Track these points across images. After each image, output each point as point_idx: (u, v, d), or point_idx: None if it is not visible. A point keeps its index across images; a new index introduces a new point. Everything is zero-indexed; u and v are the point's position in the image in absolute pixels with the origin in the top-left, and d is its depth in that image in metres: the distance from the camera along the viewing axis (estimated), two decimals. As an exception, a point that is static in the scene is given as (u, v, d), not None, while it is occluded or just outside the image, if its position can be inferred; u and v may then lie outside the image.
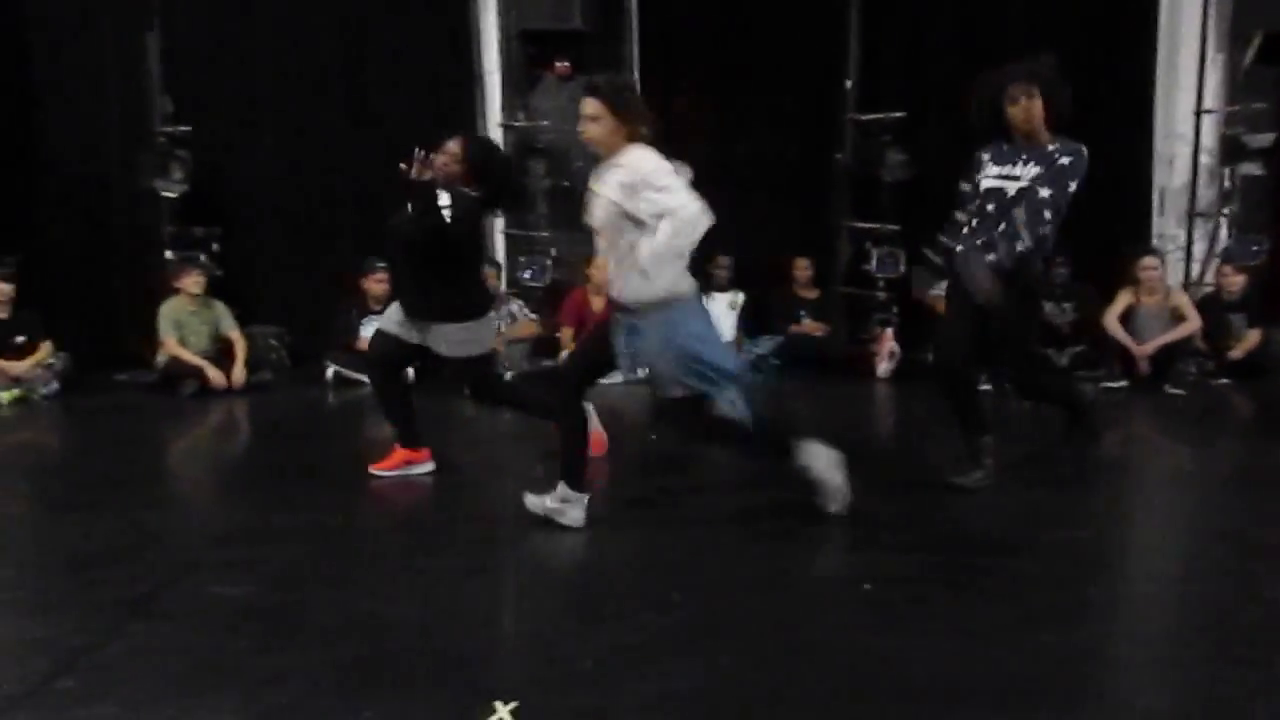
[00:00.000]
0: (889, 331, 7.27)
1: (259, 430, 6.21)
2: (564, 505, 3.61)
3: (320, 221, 7.74)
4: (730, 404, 3.52)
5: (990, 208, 3.93)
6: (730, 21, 7.76)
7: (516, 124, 7.61)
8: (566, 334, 7.16)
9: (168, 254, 7.54)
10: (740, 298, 7.66)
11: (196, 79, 7.58)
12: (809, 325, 7.61)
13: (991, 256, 3.88)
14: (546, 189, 7.61)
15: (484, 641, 2.80)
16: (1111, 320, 6.68)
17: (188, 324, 6.92)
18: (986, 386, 6.10)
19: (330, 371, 6.99)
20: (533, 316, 7.02)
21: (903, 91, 7.52)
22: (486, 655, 2.71)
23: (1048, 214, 3.82)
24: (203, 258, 7.40)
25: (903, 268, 7.35)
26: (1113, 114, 7.00)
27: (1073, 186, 3.83)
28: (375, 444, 4.70)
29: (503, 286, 7.43)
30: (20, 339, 6.61)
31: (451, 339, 4.18)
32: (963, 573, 3.23)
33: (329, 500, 4.10)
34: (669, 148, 7.75)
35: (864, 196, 7.79)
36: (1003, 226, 3.87)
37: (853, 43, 7.60)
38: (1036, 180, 3.83)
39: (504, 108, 7.66)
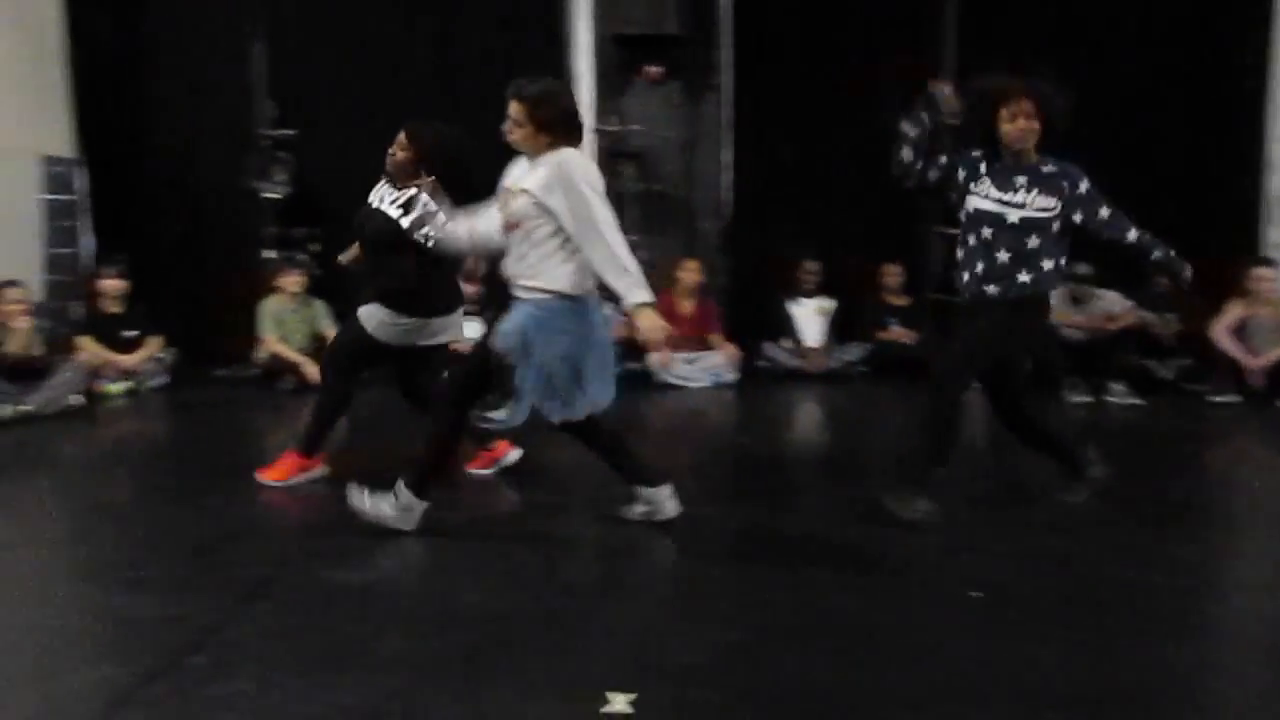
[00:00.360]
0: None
1: (356, 425, 6.35)
2: (399, 511, 3.51)
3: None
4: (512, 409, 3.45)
5: (987, 233, 3.61)
6: (823, 24, 7.72)
7: (608, 128, 7.67)
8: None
9: (267, 253, 7.80)
10: (830, 304, 7.61)
11: (300, 85, 7.79)
12: (898, 332, 7.53)
13: (992, 288, 3.62)
14: (637, 193, 7.64)
15: (596, 632, 2.83)
16: (1221, 332, 6.47)
17: (287, 322, 7.13)
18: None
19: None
20: (622, 318, 7.02)
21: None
22: (600, 646, 2.74)
23: (1066, 244, 3.64)
24: (302, 257, 7.61)
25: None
26: (1221, 119, 6.79)
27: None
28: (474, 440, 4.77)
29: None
30: (131, 333, 6.88)
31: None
32: (1074, 584, 3.17)
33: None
34: (760, 149, 7.83)
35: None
36: (1006, 256, 3.57)
37: (948, 46, 7.50)
38: (1046, 210, 3.55)
39: (595, 112, 7.72)
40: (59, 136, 7.48)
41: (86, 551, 3.58)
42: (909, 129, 3.66)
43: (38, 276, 7.13)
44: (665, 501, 3.65)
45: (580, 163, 3.39)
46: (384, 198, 4.13)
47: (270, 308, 7.12)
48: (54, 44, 6.93)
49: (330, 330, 7.16)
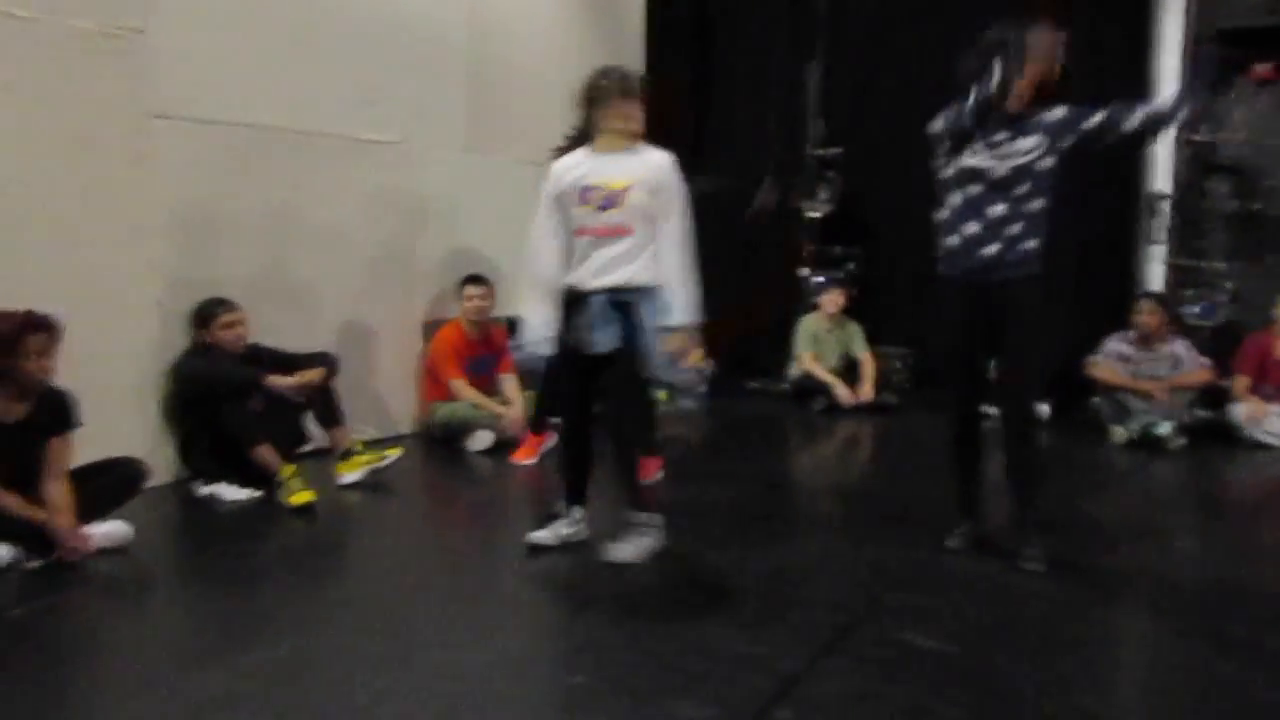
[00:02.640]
0: None
1: (886, 451, 6.15)
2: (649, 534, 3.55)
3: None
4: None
5: (973, 190, 3.42)
6: None
7: (1197, 138, 6.64)
8: (1241, 383, 6.08)
9: (804, 271, 7.87)
10: None
11: (849, 103, 7.77)
12: None
13: (991, 249, 3.41)
14: (1230, 212, 6.53)
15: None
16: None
17: (824, 341, 7.12)
18: None
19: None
20: (1205, 361, 6.03)
21: None
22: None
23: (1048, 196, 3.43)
24: (840, 275, 7.56)
25: None
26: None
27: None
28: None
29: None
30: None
31: None
32: None
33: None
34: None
35: None
36: (999, 210, 3.39)
37: None
38: (1034, 158, 3.37)
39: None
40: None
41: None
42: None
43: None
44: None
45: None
46: None
47: (808, 326, 7.16)
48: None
49: (863, 352, 7.05)
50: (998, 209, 3.44)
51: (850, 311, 7.24)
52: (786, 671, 2.64)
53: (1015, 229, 3.44)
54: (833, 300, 7.12)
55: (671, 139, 8.26)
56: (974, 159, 3.46)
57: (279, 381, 4.37)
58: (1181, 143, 6.71)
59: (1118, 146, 3.47)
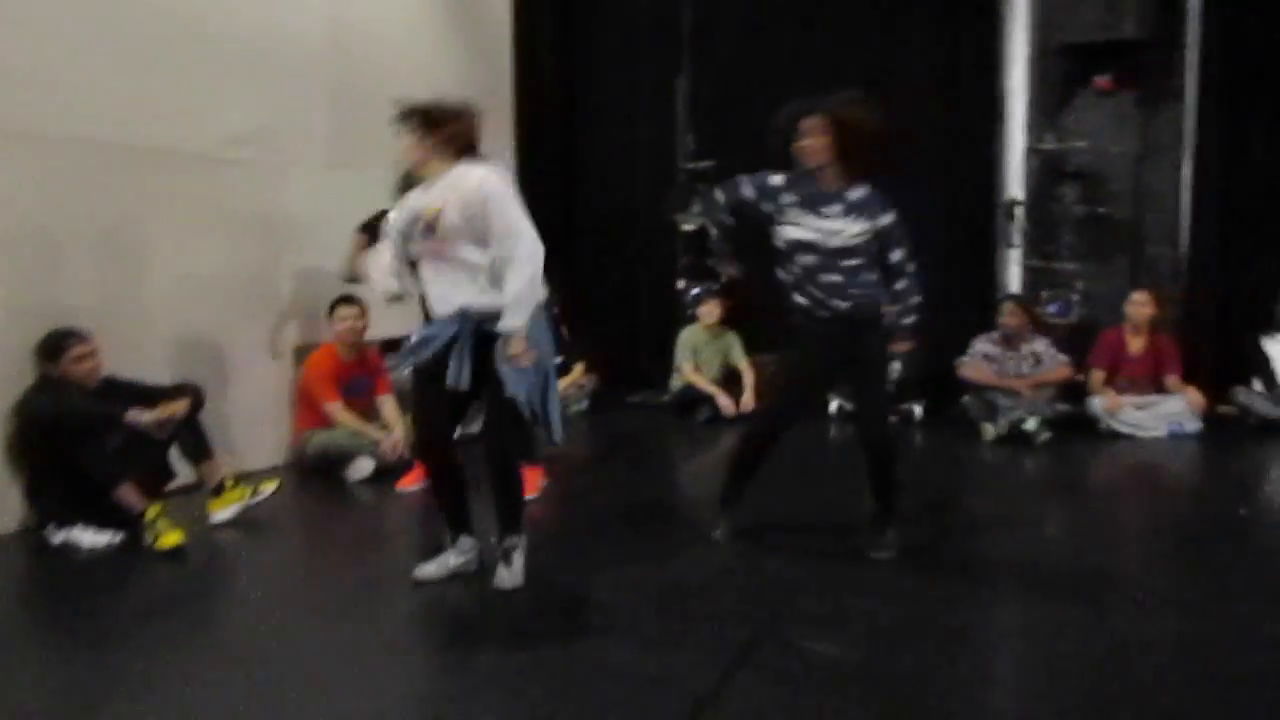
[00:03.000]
0: None
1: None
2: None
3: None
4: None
5: (807, 260, 3.60)
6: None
7: (1045, 147, 6.98)
8: (1097, 377, 6.41)
9: (681, 283, 7.92)
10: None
11: (719, 117, 7.85)
12: None
13: (841, 304, 3.61)
14: (1079, 216, 6.87)
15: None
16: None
17: (703, 352, 7.17)
18: None
19: (834, 406, 6.84)
20: (1063, 358, 6.33)
21: None
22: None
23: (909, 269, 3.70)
24: (716, 287, 7.62)
25: None
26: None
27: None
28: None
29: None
30: (558, 360, 7.21)
31: None
32: None
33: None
34: (1230, 162, 6.74)
35: None
36: (834, 278, 3.60)
37: None
38: (861, 235, 3.59)
39: (1030, 129, 7.06)
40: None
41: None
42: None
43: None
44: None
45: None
46: None
47: (688, 337, 7.19)
48: (506, 93, 7.48)
49: (743, 362, 7.13)
50: (834, 277, 3.63)
51: (727, 321, 7.31)
52: (698, 691, 2.60)
53: (856, 291, 3.65)
54: (710, 311, 7.17)
55: (544, 153, 8.27)
56: (802, 232, 3.62)
57: (140, 416, 4.09)
58: (1030, 151, 7.04)
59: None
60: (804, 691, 2.61)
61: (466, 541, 3.59)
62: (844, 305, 3.64)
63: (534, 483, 4.57)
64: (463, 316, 3.32)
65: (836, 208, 3.60)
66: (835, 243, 3.60)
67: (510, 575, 3.41)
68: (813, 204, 3.60)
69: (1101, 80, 6.74)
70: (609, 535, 4.14)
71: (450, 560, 3.57)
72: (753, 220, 3.75)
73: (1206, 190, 6.80)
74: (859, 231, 3.61)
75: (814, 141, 3.56)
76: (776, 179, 3.67)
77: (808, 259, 3.63)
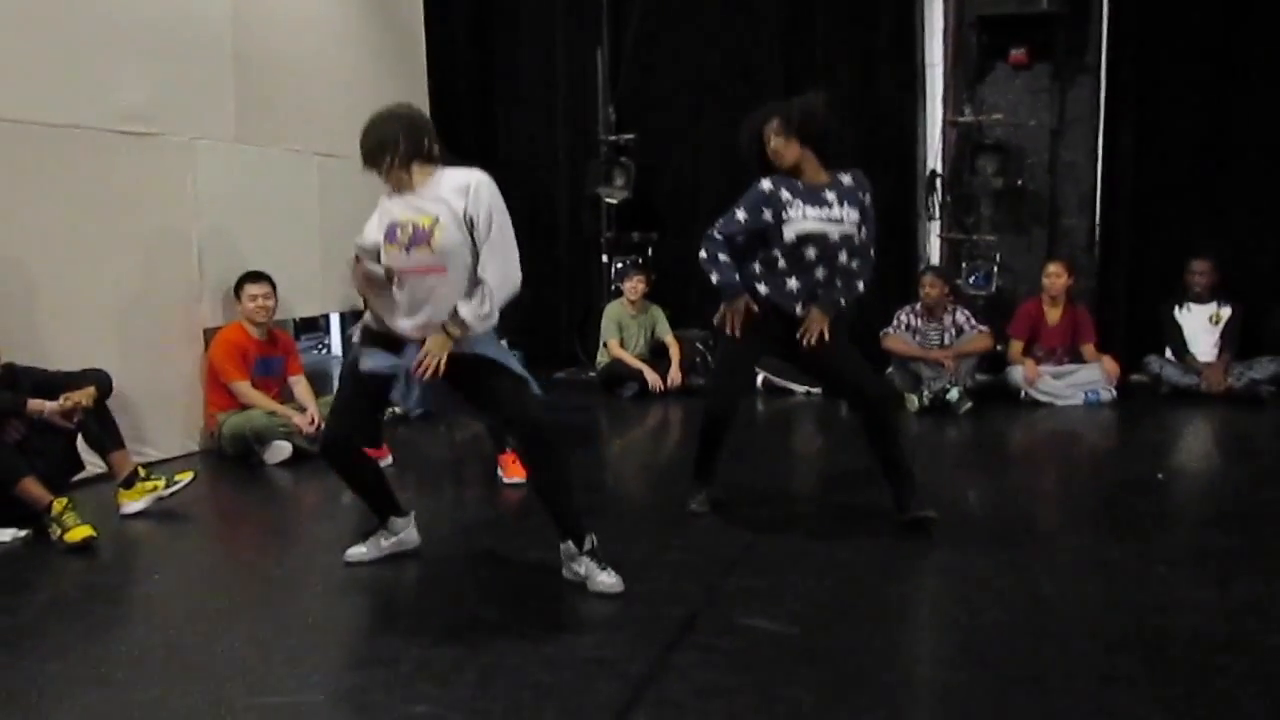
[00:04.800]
0: None
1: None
2: None
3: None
4: None
5: (810, 253, 3.66)
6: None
7: (963, 119, 7.07)
8: (1016, 347, 6.55)
9: (604, 258, 7.86)
10: (1225, 310, 6.60)
11: (640, 90, 7.78)
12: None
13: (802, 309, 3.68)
14: (996, 189, 6.98)
15: None
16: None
17: (628, 327, 7.12)
18: None
19: (760, 379, 6.86)
20: (983, 329, 6.44)
21: None
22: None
23: (871, 253, 3.82)
24: (640, 261, 7.58)
25: None
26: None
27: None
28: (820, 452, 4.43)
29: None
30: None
31: None
32: None
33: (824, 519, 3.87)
34: (1142, 134, 6.92)
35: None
36: (824, 273, 3.69)
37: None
38: (857, 224, 3.70)
39: (949, 102, 7.14)
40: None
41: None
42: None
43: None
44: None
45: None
46: None
47: (613, 312, 7.14)
48: (419, 63, 7.27)
49: (668, 336, 7.10)
50: (826, 271, 3.70)
51: (651, 296, 7.27)
52: (636, 674, 2.56)
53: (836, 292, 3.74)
54: (634, 286, 7.12)
55: (461, 126, 8.07)
56: (811, 225, 3.63)
57: (43, 405, 3.88)
58: (948, 124, 7.12)
59: None
60: (744, 669, 2.59)
61: (398, 522, 3.49)
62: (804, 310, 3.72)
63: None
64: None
65: (832, 195, 3.67)
66: (838, 232, 3.65)
67: (606, 577, 3.15)
68: (812, 197, 3.65)
69: (1016, 54, 6.83)
70: (537, 516, 4.06)
71: (382, 542, 3.47)
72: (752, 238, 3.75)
73: (1120, 163, 6.97)
74: (856, 219, 3.69)
75: (779, 143, 3.63)
76: (765, 185, 3.68)
77: (812, 252, 3.67)
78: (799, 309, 3.73)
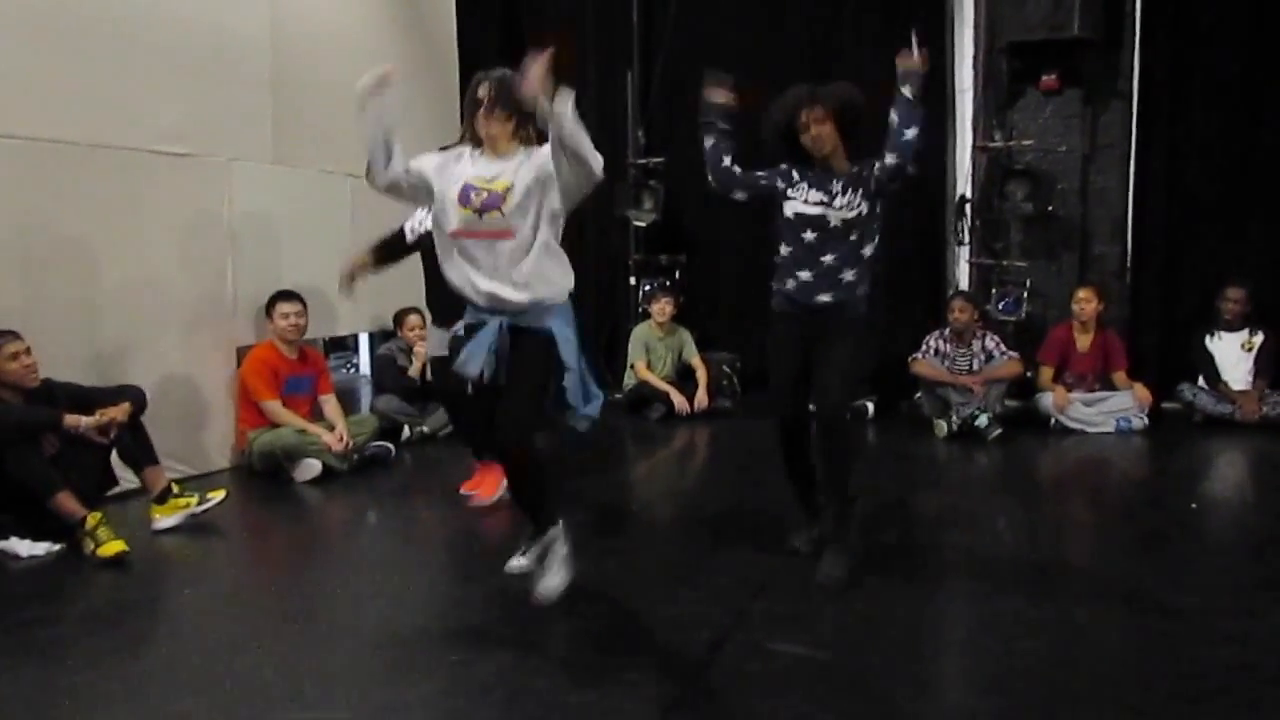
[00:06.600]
0: None
1: (728, 457, 6.19)
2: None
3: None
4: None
5: (809, 236, 3.56)
6: (1255, 25, 6.64)
7: (993, 144, 7.05)
8: (1046, 373, 6.50)
9: (632, 280, 7.89)
10: (1258, 338, 6.53)
11: (669, 113, 7.82)
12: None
13: (825, 297, 3.57)
14: (1026, 215, 6.95)
15: None
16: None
17: (655, 349, 7.13)
18: None
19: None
20: (1013, 354, 6.39)
21: None
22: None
23: (877, 240, 3.66)
24: (669, 284, 7.60)
25: None
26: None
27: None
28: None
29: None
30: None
31: None
32: None
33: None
34: (1173, 161, 6.87)
35: None
36: (830, 259, 3.56)
37: None
38: (863, 210, 3.56)
39: (979, 127, 7.13)
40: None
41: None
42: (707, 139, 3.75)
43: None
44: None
45: None
46: None
47: (640, 334, 7.15)
48: (452, 87, 7.34)
49: (694, 358, 7.10)
50: (828, 258, 3.58)
51: (679, 318, 7.29)
52: (665, 697, 2.55)
53: (839, 286, 3.59)
54: (662, 309, 7.13)
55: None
56: (808, 207, 3.58)
57: (78, 420, 3.94)
58: (978, 149, 7.11)
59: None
60: (773, 694, 2.58)
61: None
62: (827, 299, 3.59)
63: (495, 484, 4.49)
64: (494, 310, 3.11)
65: (838, 185, 3.59)
66: (837, 219, 3.56)
67: (549, 581, 3.10)
68: (820, 182, 3.59)
69: (1047, 79, 6.82)
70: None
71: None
72: (755, 194, 3.69)
73: (1151, 188, 6.92)
74: (859, 205, 3.57)
75: (821, 130, 3.53)
76: (784, 164, 3.64)
77: (810, 235, 3.58)
78: (819, 299, 3.59)
